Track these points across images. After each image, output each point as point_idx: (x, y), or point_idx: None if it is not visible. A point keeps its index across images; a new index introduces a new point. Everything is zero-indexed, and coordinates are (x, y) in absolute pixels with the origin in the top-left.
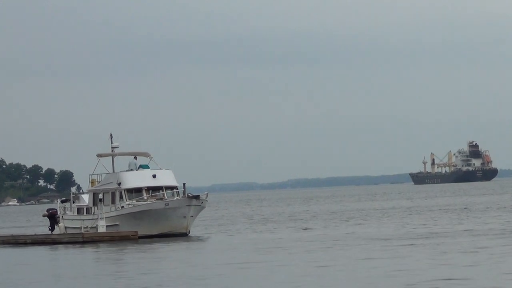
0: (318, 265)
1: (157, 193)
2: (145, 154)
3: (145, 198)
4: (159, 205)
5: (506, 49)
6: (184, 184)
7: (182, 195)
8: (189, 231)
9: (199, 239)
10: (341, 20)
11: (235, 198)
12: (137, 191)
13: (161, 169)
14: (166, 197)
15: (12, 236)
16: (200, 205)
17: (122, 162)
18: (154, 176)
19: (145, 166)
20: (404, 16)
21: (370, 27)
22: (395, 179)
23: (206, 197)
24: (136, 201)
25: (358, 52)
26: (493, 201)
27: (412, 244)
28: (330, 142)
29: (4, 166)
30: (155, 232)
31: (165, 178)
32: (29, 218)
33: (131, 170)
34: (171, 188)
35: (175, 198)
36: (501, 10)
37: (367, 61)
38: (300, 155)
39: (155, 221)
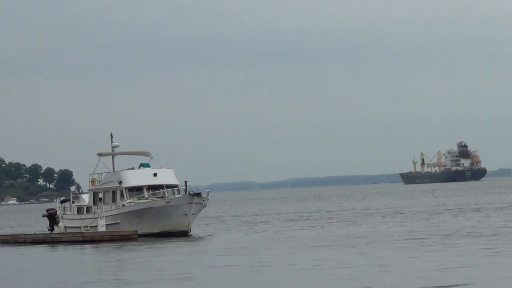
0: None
1: (158, 192)
2: (146, 154)
3: (146, 196)
4: (161, 203)
5: (496, 49)
6: (185, 182)
7: (184, 193)
8: (190, 229)
9: (202, 238)
10: (340, 20)
11: (249, 196)
12: (138, 189)
13: (161, 168)
14: (167, 196)
15: (12, 235)
16: (201, 203)
17: (122, 161)
18: (155, 174)
19: (146, 165)
20: (398, 16)
21: (367, 28)
22: (394, 179)
23: (207, 196)
24: (137, 200)
25: (358, 52)
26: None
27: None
28: (329, 142)
29: (3, 165)
30: (156, 230)
31: (166, 176)
32: (36, 218)
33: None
34: (172, 186)
35: (176, 196)
36: (489, 9)
37: (368, 61)
38: (299, 155)
39: (156, 219)
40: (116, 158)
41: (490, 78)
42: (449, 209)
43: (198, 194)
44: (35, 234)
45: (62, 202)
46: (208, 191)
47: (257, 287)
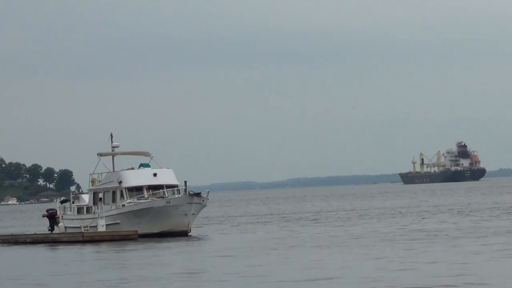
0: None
1: (158, 192)
2: (146, 154)
3: (146, 196)
4: (160, 203)
5: (496, 49)
6: (185, 182)
7: (184, 193)
8: (190, 229)
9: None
10: (340, 20)
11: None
12: (138, 189)
13: (161, 168)
14: (167, 196)
15: (12, 235)
16: (201, 203)
17: (122, 161)
18: (155, 174)
19: (146, 165)
20: (398, 16)
21: (367, 28)
22: (394, 179)
23: (207, 196)
24: (137, 200)
25: (358, 52)
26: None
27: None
28: (329, 142)
29: (3, 165)
30: (156, 230)
31: (166, 176)
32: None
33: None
34: (172, 186)
35: (176, 196)
36: (489, 9)
37: (368, 61)
38: (299, 155)
39: (156, 219)
40: (116, 158)
41: (490, 78)
42: (450, 209)
43: (198, 194)
44: (35, 234)
45: (62, 202)
46: (208, 191)
47: (257, 287)
